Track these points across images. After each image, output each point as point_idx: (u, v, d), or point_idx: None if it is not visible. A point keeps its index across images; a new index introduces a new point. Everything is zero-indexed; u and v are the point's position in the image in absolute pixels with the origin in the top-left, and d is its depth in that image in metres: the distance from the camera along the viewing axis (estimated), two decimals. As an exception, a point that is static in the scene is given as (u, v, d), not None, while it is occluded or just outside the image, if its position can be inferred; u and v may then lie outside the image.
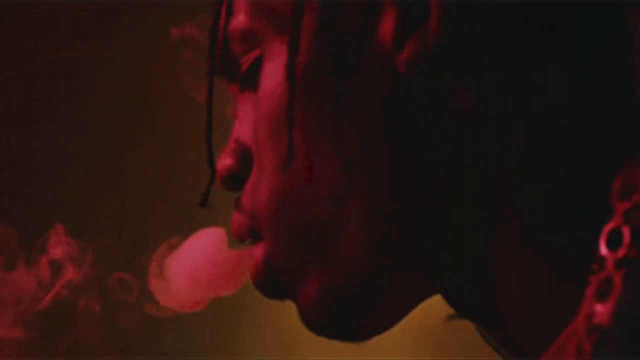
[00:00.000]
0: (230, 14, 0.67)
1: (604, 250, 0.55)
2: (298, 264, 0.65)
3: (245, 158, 0.68)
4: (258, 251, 0.67)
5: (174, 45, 0.78)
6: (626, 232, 0.55)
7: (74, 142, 1.77)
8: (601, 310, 0.54)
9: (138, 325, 0.83)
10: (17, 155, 1.77)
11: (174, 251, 0.72)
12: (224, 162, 0.69)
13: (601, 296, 0.54)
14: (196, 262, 0.71)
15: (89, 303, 0.85)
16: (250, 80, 0.67)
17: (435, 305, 0.66)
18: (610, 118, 0.59)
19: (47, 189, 1.73)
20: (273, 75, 0.64)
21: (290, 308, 0.68)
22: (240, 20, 0.66)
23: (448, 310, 0.67)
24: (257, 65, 0.66)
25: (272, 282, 0.67)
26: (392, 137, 0.61)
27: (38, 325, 0.83)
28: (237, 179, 0.69)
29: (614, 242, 0.55)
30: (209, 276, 0.70)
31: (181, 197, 0.72)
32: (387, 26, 0.60)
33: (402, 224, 0.62)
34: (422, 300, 0.66)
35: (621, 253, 0.55)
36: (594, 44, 0.59)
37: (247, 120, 0.68)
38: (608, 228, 0.56)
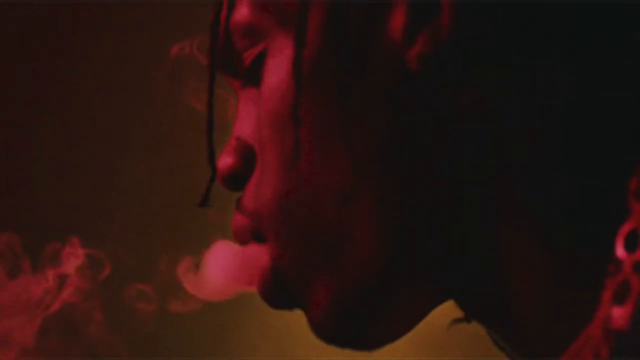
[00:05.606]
0: (232, 6, 0.65)
1: (620, 251, 0.54)
2: (306, 268, 0.63)
3: (247, 156, 0.66)
4: (263, 257, 0.65)
5: (175, 51, 0.77)
6: None
7: (77, 147, 1.77)
8: (618, 314, 0.53)
9: (147, 329, 0.83)
10: (18, 158, 1.77)
11: (199, 254, 0.71)
12: (225, 160, 0.67)
13: (618, 299, 0.53)
14: (227, 256, 0.69)
15: (100, 311, 0.85)
16: (253, 76, 0.65)
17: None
18: (624, 117, 0.58)
19: (54, 197, 1.73)
20: (277, 70, 0.63)
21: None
22: (242, 13, 0.65)
23: (449, 312, 0.65)
24: (261, 61, 0.64)
25: (281, 289, 0.65)
26: (400, 134, 0.60)
27: (50, 334, 0.83)
28: (238, 178, 0.67)
29: (631, 243, 0.54)
30: (239, 269, 0.68)
31: (190, 202, 0.72)
32: (397, 20, 0.59)
33: (412, 225, 0.60)
34: (435, 305, 0.64)
35: (639, 255, 0.54)
36: (604, 42, 0.58)
37: (249, 117, 0.66)
38: (625, 229, 0.54)
